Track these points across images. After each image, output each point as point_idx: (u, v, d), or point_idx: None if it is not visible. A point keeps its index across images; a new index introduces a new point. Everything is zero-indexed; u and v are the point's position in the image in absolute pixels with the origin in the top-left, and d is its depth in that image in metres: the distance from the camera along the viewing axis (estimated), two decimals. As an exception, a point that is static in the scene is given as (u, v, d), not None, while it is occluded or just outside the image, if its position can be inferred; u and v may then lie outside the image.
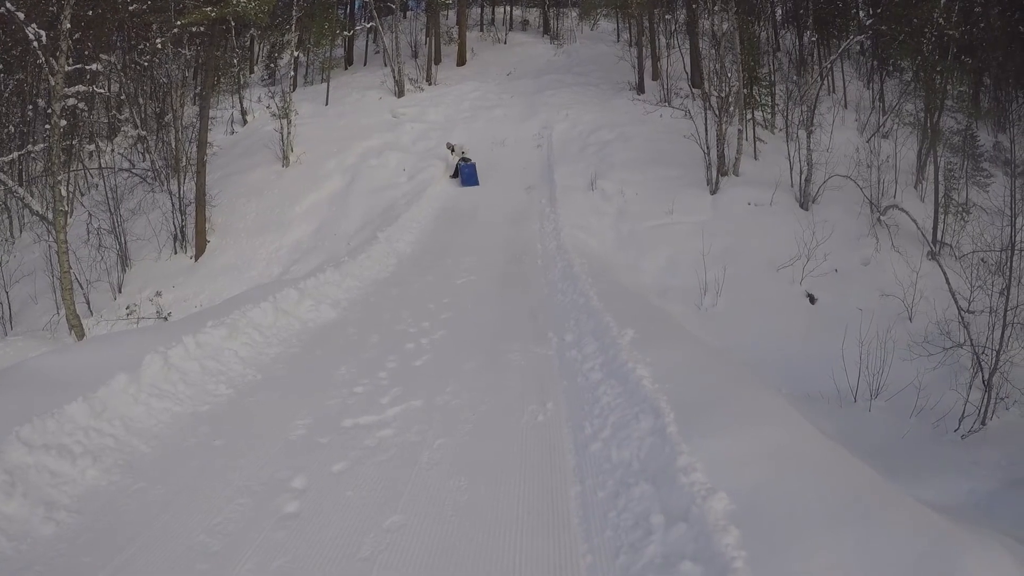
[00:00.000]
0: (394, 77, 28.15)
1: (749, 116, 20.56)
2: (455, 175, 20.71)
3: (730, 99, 19.30)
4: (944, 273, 14.42)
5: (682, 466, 3.87)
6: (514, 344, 7.74)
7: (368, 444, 5.22)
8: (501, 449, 5.06)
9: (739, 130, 19.35)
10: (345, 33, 32.51)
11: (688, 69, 25.23)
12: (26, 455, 4.57)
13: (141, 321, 15.50)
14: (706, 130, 18.54)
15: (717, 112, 18.83)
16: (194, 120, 20.97)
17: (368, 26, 32.98)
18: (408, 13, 36.17)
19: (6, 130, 24.17)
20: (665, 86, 24.43)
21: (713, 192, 18.01)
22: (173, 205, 18.98)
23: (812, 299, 14.95)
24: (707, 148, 18.24)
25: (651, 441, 4.39)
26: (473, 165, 20.64)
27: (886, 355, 11.14)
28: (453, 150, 21.09)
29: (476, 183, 20.25)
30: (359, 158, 21.54)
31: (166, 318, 15.63)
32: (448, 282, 11.51)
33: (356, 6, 37.00)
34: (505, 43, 35.35)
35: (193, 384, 6.09)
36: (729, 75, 19.41)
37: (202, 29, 22.56)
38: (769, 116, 22.79)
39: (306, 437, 5.35)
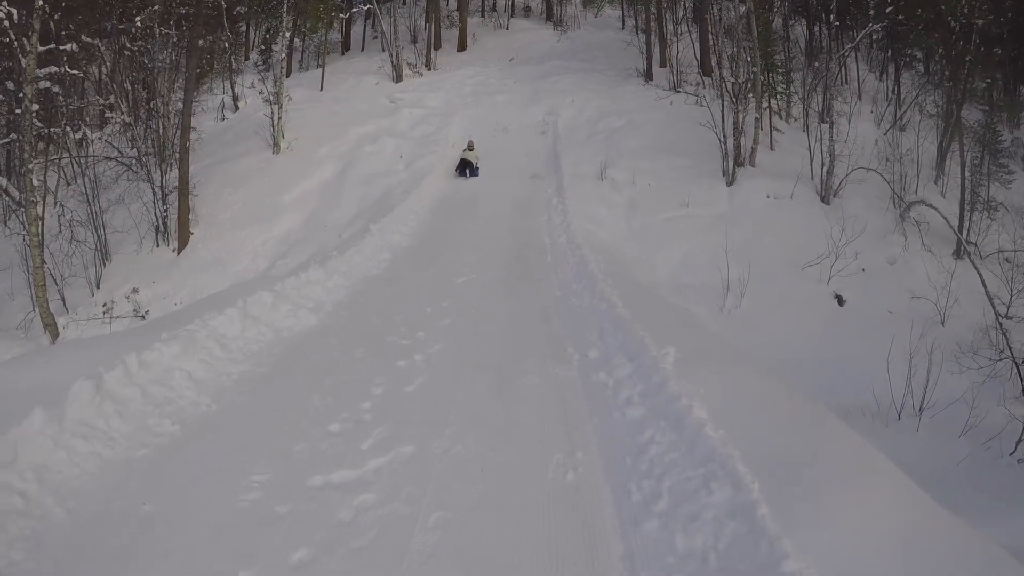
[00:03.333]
0: (392, 62, 27.12)
1: (765, 104, 19.46)
2: (460, 169, 19.47)
3: (748, 84, 18.23)
4: (980, 275, 13.51)
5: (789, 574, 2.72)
6: (527, 362, 6.46)
7: (341, 518, 3.99)
8: (521, 530, 3.81)
9: (756, 118, 18.26)
10: (341, 16, 31.40)
11: (698, 56, 24.37)
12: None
13: (117, 320, 14.51)
14: (723, 118, 17.44)
15: (734, 99, 17.74)
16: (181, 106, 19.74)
17: (365, 8, 31.91)
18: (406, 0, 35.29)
19: None
20: (675, 73, 23.40)
21: (730, 184, 16.99)
22: (154, 194, 17.81)
23: (840, 300, 13.94)
24: (723, 137, 17.13)
25: (734, 528, 3.23)
26: (476, 169, 19.38)
27: (932, 367, 10.11)
28: (472, 149, 19.55)
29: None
30: (354, 144, 20.44)
31: (143, 316, 14.66)
32: (448, 281, 10.25)
33: (353, -12, 35.73)
34: (507, 29, 34.33)
35: (131, 418, 4.86)
36: (749, 59, 18.34)
37: (192, 10, 21.36)
38: (785, 105, 21.75)
39: (261, 503, 4.14)
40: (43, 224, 15.82)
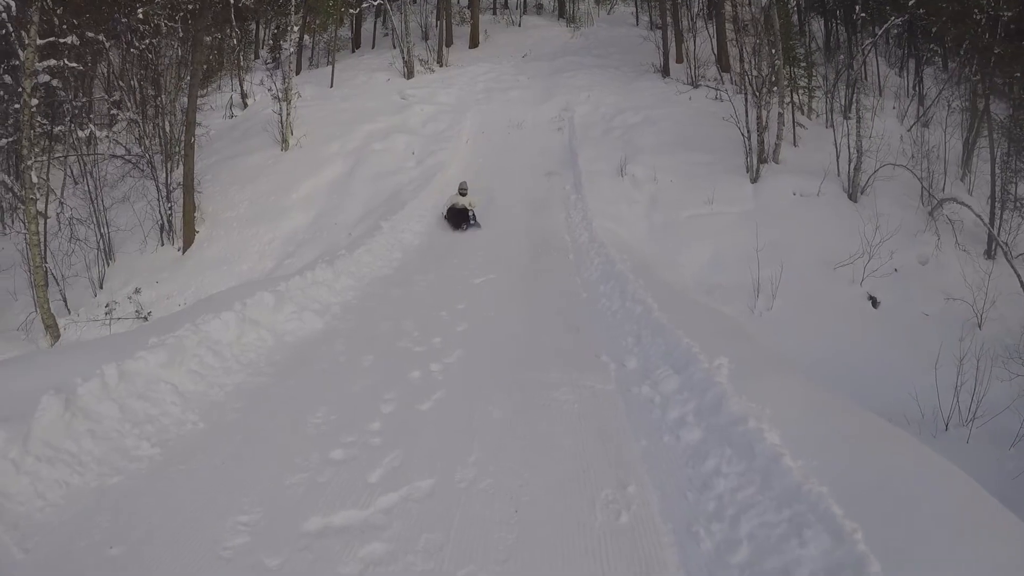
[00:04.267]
0: (403, 58, 26.55)
1: (788, 99, 18.82)
2: (453, 220, 14.46)
3: (772, 78, 17.59)
4: (1019, 275, 12.93)
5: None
6: (556, 372, 5.75)
7: (345, 574, 3.30)
8: None
9: (779, 113, 17.62)
10: (351, 11, 30.94)
11: (715, 51, 23.80)
12: None
13: (119, 322, 14.06)
14: (746, 113, 16.80)
15: (757, 93, 17.10)
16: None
17: (376, 4, 31.42)
18: (416, -2, 34.91)
19: None
20: (692, 68, 22.79)
21: (754, 180, 16.35)
22: (159, 192, 17.33)
23: (875, 302, 13.28)
24: (747, 132, 16.48)
25: None
26: (474, 219, 14.50)
27: (980, 373, 9.45)
28: (465, 193, 14.75)
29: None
30: (363, 141, 19.81)
31: (146, 318, 14.21)
32: (464, 282, 9.61)
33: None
34: (519, 26, 33.72)
35: (105, 439, 4.20)
36: (773, 51, 17.70)
37: (197, 6, 20.89)
38: (807, 100, 21.09)
39: (247, 552, 3.47)
40: (45, 222, 15.44)
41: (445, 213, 14.50)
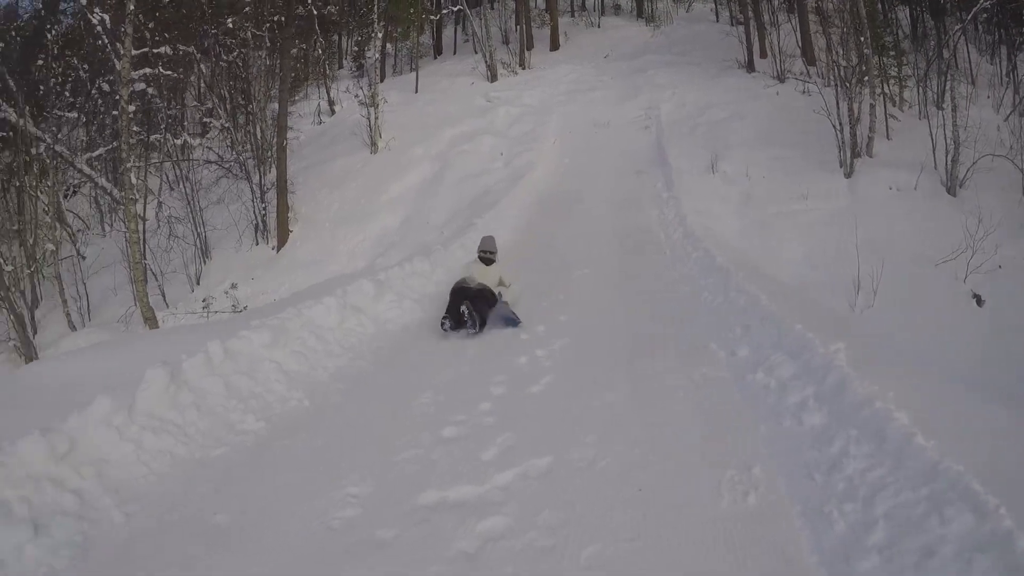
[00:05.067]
0: (486, 62, 26.85)
1: (879, 90, 18.14)
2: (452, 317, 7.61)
3: (862, 67, 16.98)
4: None
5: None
6: (664, 360, 5.64)
7: (463, 549, 3.23)
8: (704, 570, 2.97)
9: (871, 105, 16.98)
10: (432, 18, 31.60)
11: (800, 43, 23.18)
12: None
13: (216, 315, 14.54)
14: (836, 105, 16.27)
15: (847, 84, 16.54)
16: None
17: (456, 10, 31.84)
18: (495, 3, 35.44)
19: (93, 128, 24.39)
20: (778, 62, 22.24)
21: (848, 175, 15.82)
22: (253, 193, 18.00)
23: (979, 300, 12.63)
24: (838, 126, 15.95)
25: (985, 565, 2.42)
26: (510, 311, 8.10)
27: None
28: (490, 259, 8.71)
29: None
30: (450, 144, 19.99)
31: (242, 312, 14.59)
32: (559, 276, 9.57)
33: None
34: (599, 27, 33.67)
35: (210, 412, 4.33)
36: (861, 39, 17.09)
37: (282, 17, 21.62)
38: (898, 90, 20.31)
39: (358, 524, 3.46)
40: (144, 222, 16.15)
41: (450, 301, 7.73)
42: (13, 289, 17.11)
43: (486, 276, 8.15)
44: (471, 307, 6.96)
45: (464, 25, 34.33)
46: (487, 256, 8.56)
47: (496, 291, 7.95)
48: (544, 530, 3.35)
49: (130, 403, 4.05)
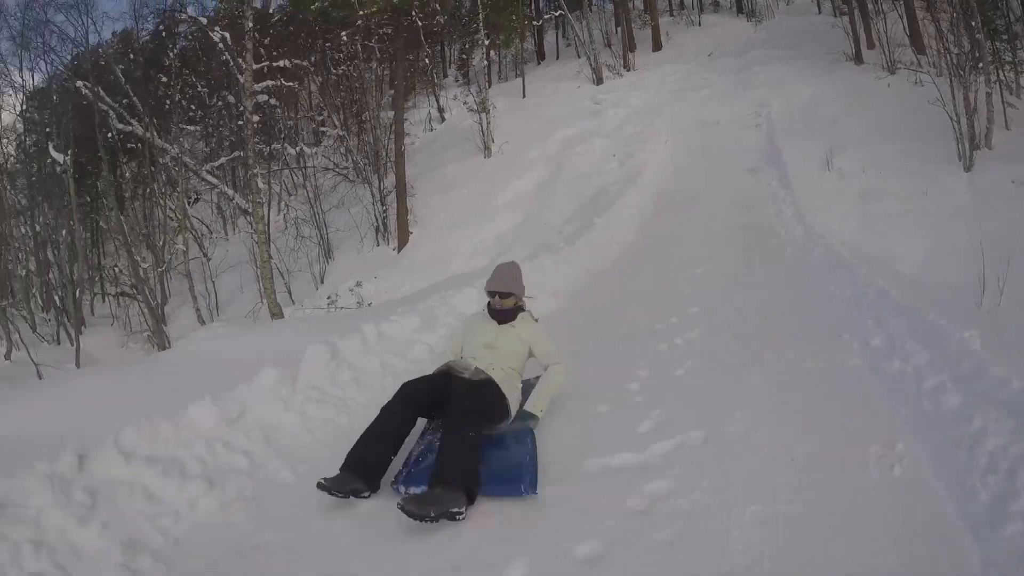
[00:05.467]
0: (591, 65, 26.95)
1: (994, 78, 17.19)
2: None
3: (975, 53, 16.16)
4: None
5: None
6: (799, 349, 5.71)
7: (632, 506, 3.50)
8: (855, 528, 3.13)
9: (987, 93, 16.09)
10: (534, 23, 32.09)
11: (907, 32, 22.24)
12: (121, 467, 3.42)
13: (342, 311, 15.03)
14: (952, 95, 15.59)
15: (961, 71, 15.81)
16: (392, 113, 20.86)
17: (557, 15, 32.10)
18: (593, 7, 35.15)
19: (215, 139, 26.05)
20: (887, 53, 21.47)
21: (967, 168, 15.06)
22: (373, 196, 18.83)
23: (1123, 305, 11.82)
24: (955, 117, 15.25)
25: None
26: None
27: None
28: (507, 317, 4.88)
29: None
30: (561, 146, 20.21)
31: (368, 307, 15.10)
32: (682, 272, 9.68)
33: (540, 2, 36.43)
34: (699, 25, 33.49)
35: (368, 387, 4.70)
36: (973, 23, 16.27)
37: (391, 31, 22.41)
38: (1014, 77, 19.30)
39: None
40: (269, 224, 17.40)
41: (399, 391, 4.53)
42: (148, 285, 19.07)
43: (502, 348, 4.61)
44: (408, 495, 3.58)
45: (564, 30, 34.63)
46: (505, 301, 4.81)
47: (514, 385, 4.49)
48: (708, 491, 3.58)
49: (294, 375, 4.37)
